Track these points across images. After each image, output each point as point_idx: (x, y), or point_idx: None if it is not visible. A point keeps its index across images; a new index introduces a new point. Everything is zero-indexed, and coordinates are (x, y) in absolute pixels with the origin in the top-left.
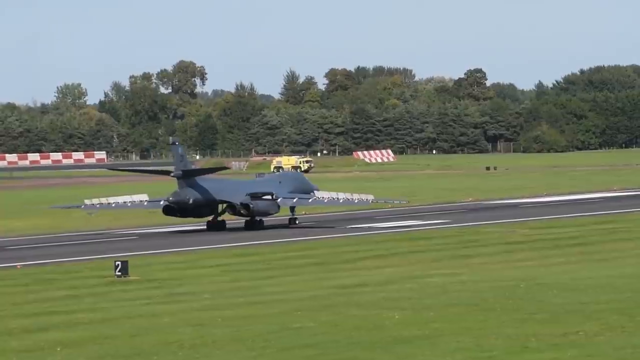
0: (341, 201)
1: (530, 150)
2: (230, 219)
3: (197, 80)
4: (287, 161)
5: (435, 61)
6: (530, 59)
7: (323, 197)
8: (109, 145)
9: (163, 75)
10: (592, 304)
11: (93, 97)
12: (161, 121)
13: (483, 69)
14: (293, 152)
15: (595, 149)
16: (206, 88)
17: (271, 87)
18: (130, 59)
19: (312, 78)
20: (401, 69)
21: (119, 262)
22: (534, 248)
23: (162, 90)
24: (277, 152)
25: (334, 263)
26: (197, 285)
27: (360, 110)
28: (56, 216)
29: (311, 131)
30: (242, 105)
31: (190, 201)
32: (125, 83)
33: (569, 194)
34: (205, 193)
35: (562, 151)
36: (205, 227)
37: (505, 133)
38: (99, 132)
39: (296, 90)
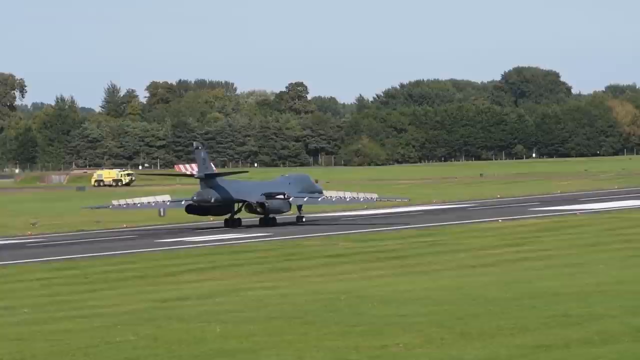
0: (348, 200)
1: (351, 164)
2: (245, 217)
3: (17, 93)
4: (108, 174)
5: (257, 74)
6: (350, 73)
7: (331, 197)
8: None
9: None
10: (411, 316)
11: None
12: None
13: (304, 83)
14: (114, 165)
15: (415, 162)
16: (26, 101)
17: (92, 100)
18: None
19: (133, 91)
20: (223, 82)
21: None
22: (355, 261)
23: None
24: (98, 165)
25: (155, 276)
26: (16, 299)
27: (181, 124)
28: None
29: (132, 144)
30: (63, 118)
31: (212, 200)
32: None
33: (391, 207)
34: (224, 193)
35: (382, 164)
36: (223, 224)
37: (327, 146)
38: None
39: (117, 103)
